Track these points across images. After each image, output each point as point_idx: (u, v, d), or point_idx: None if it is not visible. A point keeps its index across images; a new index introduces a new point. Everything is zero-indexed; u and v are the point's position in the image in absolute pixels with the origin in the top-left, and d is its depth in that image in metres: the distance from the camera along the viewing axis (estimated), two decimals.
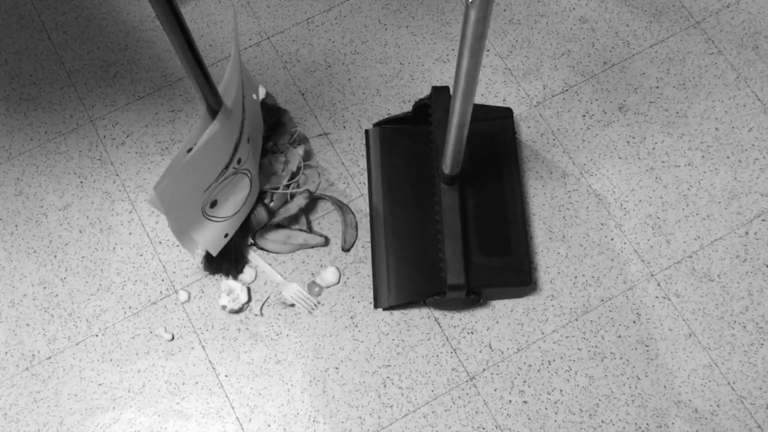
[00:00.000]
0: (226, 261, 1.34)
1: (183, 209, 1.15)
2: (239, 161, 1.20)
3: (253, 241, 1.36)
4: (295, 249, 1.35)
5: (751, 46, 1.49)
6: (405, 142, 1.41)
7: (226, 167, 1.17)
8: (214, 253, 1.29)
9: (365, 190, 1.40)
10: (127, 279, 1.36)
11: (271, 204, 1.35)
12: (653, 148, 1.43)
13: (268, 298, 1.33)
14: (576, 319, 1.32)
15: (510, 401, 1.28)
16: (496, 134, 1.39)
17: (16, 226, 1.39)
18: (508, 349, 1.30)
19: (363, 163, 1.42)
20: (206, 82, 1.01)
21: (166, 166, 1.43)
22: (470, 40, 0.90)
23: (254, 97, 1.28)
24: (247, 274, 1.34)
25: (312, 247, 1.35)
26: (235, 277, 1.34)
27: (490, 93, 1.47)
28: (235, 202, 1.26)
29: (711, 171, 1.41)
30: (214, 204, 1.21)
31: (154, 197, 1.09)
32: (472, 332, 1.31)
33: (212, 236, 1.26)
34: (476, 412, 1.27)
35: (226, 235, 1.29)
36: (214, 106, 1.05)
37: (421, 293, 1.30)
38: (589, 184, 1.40)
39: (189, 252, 1.26)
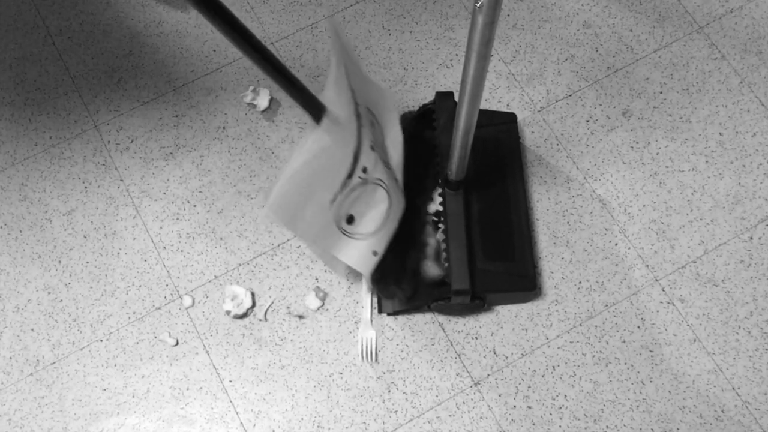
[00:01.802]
0: (393, 283, 1.27)
1: (311, 225, 1.06)
2: (365, 170, 1.11)
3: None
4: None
5: (754, 51, 1.50)
6: (409, 147, 1.41)
7: (349, 176, 1.08)
8: (366, 273, 1.19)
9: None
10: (132, 284, 1.36)
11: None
12: (657, 153, 1.43)
13: (272, 303, 1.33)
14: (580, 325, 1.32)
15: (514, 406, 1.27)
16: (500, 139, 1.39)
17: (21, 231, 1.40)
18: (512, 354, 1.30)
19: None
20: (298, 91, 0.96)
21: (164, 168, 1.43)
22: (477, 45, 0.90)
23: (387, 105, 1.21)
24: None
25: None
26: (409, 305, 1.29)
27: (493, 98, 1.47)
28: (374, 217, 1.17)
29: (715, 176, 1.41)
30: (351, 220, 1.13)
31: (269, 212, 1.01)
32: (476, 337, 1.31)
33: (358, 255, 1.16)
34: (481, 418, 1.27)
35: (375, 253, 1.19)
36: (316, 114, 0.99)
37: (426, 299, 1.29)
38: (593, 189, 1.40)
39: (339, 275, 1.18)
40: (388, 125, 1.23)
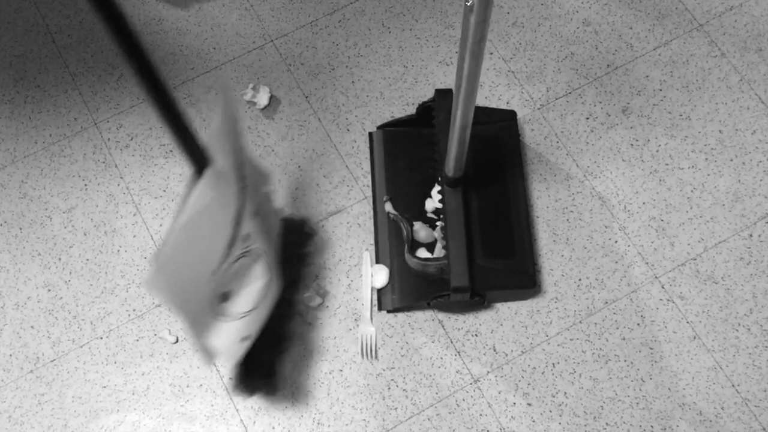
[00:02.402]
0: (256, 374, 1.20)
1: (191, 301, 0.95)
2: (247, 238, 1.02)
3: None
4: None
5: (754, 49, 1.50)
6: (409, 144, 1.41)
7: (231, 243, 0.99)
8: (231, 361, 1.10)
9: (369, 193, 1.40)
10: (132, 281, 1.36)
11: None
12: (657, 151, 1.43)
13: None
14: (580, 322, 1.32)
15: (514, 404, 1.27)
16: (499, 137, 1.39)
17: (21, 228, 1.40)
18: (512, 351, 1.30)
19: (367, 166, 1.42)
20: (185, 136, 0.88)
21: (164, 166, 1.43)
22: (470, 44, 0.90)
23: (263, 185, 1.13)
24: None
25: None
26: (269, 393, 1.24)
27: (493, 96, 1.47)
28: (250, 294, 1.07)
29: (715, 173, 1.41)
30: (224, 297, 1.03)
31: (153, 278, 0.88)
32: (476, 334, 1.31)
33: (228, 340, 1.05)
34: (480, 415, 1.27)
35: (244, 339, 1.09)
36: (199, 164, 0.90)
37: (426, 296, 1.30)
38: (593, 186, 1.40)
39: (205, 364, 1.06)
40: (266, 206, 1.15)
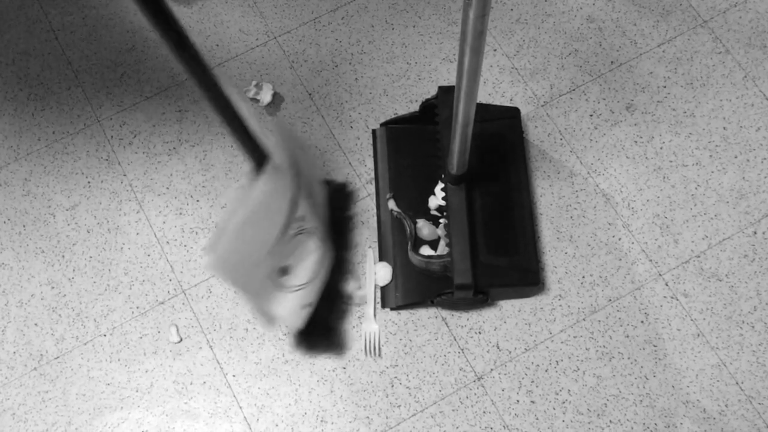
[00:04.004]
0: (318, 335, 1.26)
1: (250, 279, 1.05)
2: (302, 218, 1.11)
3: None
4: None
5: (759, 45, 1.49)
6: (412, 141, 1.41)
7: (287, 225, 1.07)
8: (295, 327, 1.18)
9: (372, 190, 1.40)
10: (135, 279, 1.36)
11: None
12: (661, 148, 1.42)
13: None
14: (584, 319, 1.32)
15: (518, 401, 1.27)
16: (503, 134, 1.39)
17: (24, 226, 1.40)
18: (515, 349, 1.30)
19: (370, 163, 1.42)
20: (249, 138, 0.94)
21: (167, 163, 1.43)
22: (470, 38, 0.90)
23: (305, 156, 1.21)
24: None
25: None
26: (337, 353, 1.29)
27: (497, 93, 1.47)
28: (307, 268, 1.16)
29: (719, 170, 1.41)
30: (285, 271, 1.12)
31: (214, 265, 0.99)
32: (479, 332, 1.31)
33: (290, 308, 1.15)
34: (484, 412, 1.27)
35: (305, 306, 1.18)
36: (259, 162, 0.99)
37: (429, 293, 1.29)
38: (597, 183, 1.40)
39: (267, 329, 1.17)
40: (314, 183, 1.24)
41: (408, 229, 1.33)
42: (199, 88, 0.85)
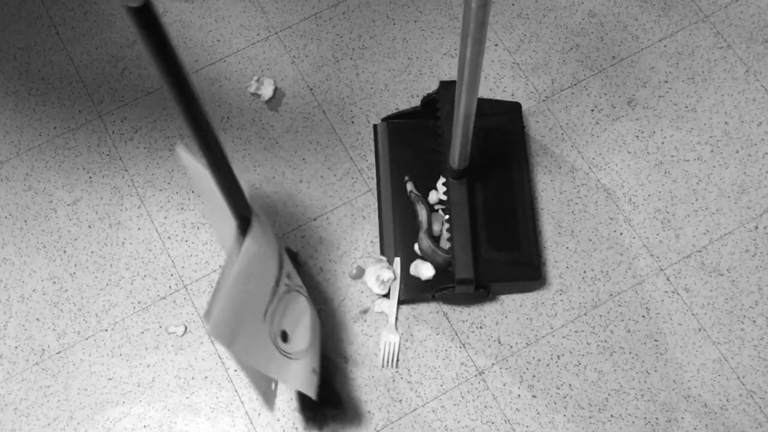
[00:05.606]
0: (324, 402, 1.22)
1: (250, 346, 0.99)
2: (289, 276, 1.07)
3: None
4: None
5: (760, 40, 1.49)
6: (413, 136, 1.41)
7: (277, 282, 1.03)
8: (313, 395, 1.12)
9: (373, 185, 1.40)
10: (136, 274, 1.36)
11: None
12: (662, 143, 1.42)
13: None
14: (585, 314, 1.32)
15: (519, 396, 1.27)
16: (504, 129, 1.39)
17: (26, 221, 1.40)
18: (517, 343, 1.30)
19: (371, 158, 1.42)
20: (237, 188, 0.92)
21: (168, 158, 1.43)
22: (472, 29, 0.90)
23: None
24: None
25: None
26: (339, 419, 1.25)
27: (498, 88, 1.47)
28: (303, 331, 1.11)
29: (720, 165, 1.41)
30: (285, 337, 1.06)
31: (214, 330, 0.93)
32: (481, 327, 1.31)
33: (303, 377, 1.09)
34: (485, 407, 1.27)
35: (314, 371, 1.13)
36: (245, 214, 0.95)
37: (430, 288, 1.30)
38: (598, 178, 1.40)
39: (267, 407, 1.09)
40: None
41: (423, 213, 1.32)
42: (195, 141, 0.85)
